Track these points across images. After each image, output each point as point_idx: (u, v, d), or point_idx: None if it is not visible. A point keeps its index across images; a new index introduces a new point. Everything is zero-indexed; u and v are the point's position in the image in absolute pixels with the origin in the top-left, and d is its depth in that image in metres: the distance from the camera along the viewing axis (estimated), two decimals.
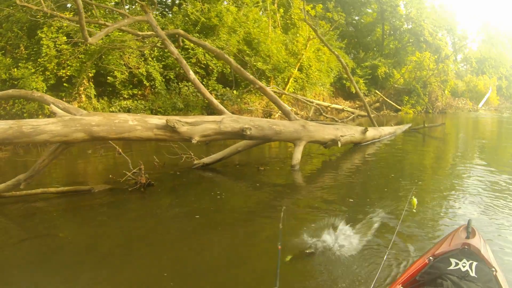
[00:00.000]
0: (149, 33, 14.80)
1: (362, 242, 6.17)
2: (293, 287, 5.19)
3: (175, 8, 26.97)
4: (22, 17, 21.01)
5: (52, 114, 8.60)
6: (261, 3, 29.20)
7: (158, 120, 9.21)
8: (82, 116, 8.54)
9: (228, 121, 10.30)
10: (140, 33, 15.40)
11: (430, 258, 4.18)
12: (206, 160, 11.97)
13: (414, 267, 4.30)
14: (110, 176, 10.30)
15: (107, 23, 13.86)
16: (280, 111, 21.66)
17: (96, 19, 16.07)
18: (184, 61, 12.24)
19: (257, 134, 10.80)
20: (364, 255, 5.83)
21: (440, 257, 4.13)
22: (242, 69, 13.50)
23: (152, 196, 9.38)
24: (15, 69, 19.28)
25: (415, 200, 5.05)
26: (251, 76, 13.40)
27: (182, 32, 15.15)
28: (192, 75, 12.05)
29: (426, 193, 9.34)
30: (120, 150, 10.88)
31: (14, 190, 9.18)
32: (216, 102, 11.57)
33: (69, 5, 21.40)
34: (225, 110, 11.22)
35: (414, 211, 4.66)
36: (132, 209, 8.74)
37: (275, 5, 29.97)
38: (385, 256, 4.62)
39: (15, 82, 19.01)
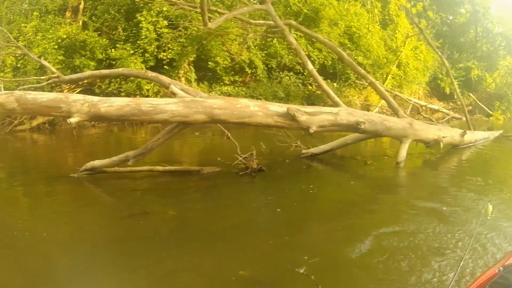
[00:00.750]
0: (268, 22, 14.67)
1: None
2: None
3: None
4: (119, 1, 21.63)
5: (171, 95, 9.04)
6: None
7: (278, 107, 9.26)
8: (204, 98, 8.78)
9: (344, 113, 10.21)
10: (260, 22, 15.54)
11: (500, 268, 3.92)
12: (314, 150, 11.95)
13: (484, 276, 4.04)
14: (218, 159, 10.39)
15: (218, 10, 14.03)
16: (379, 107, 21.55)
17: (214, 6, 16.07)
18: (303, 52, 12.30)
19: (370, 128, 10.70)
20: (439, 259, 5.66)
21: (510, 268, 3.90)
22: (354, 63, 13.42)
23: (262, 181, 9.56)
24: (113, 50, 19.86)
25: (490, 207, 4.87)
26: (363, 71, 13.36)
27: (294, 23, 15.12)
28: (310, 65, 11.97)
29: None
30: (229, 134, 11.05)
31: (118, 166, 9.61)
32: (333, 94, 11.43)
33: None
34: (341, 102, 11.07)
35: (489, 218, 4.46)
36: (243, 191, 8.93)
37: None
38: (461, 262, 4.39)
39: (113, 62, 19.54)
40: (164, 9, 20.29)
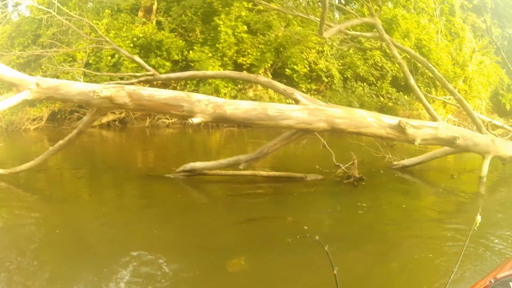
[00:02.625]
0: (369, 34, 15.31)
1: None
2: None
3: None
4: (196, 2, 22.51)
5: (293, 101, 9.46)
6: (426, 8, 29.32)
7: (391, 119, 9.65)
8: (324, 106, 9.21)
9: (443, 128, 10.53)
10: (367, 34, 15.88)
11: (492, 280, 4.03)
12: (405, 162, 12.44)
13: None
14: (317, 166, 10.72)
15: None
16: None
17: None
18: (406, 67, 12.64)
19: (462, 143, 11.12)
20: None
21: (501, 280, 4.01)
22: (443, 78, 13.84)
23: (364, 190, 9.84)
24: (191, 52, 20.65)
25: (478, 219, 5.11)
26: (451, 86, 13.86)
27: (386, 36, 15.67)
28: (412, 81, 12.36)
29: None
30: (325, 143, 11.18)
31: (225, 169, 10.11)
32: (431, 108, 11.73)
33: None
34: (438, 117, 11.47)
35: (475, 228, 4.90)
36: (351, 199, 9.17)
37: (439, 13, 29.97)
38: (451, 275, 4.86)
39: (191, 64, 20.27)
40: (243, 14, 21.17)
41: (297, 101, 9.31)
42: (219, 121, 9.24)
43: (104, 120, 22.05)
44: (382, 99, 24.44)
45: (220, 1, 21.57)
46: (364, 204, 8.72)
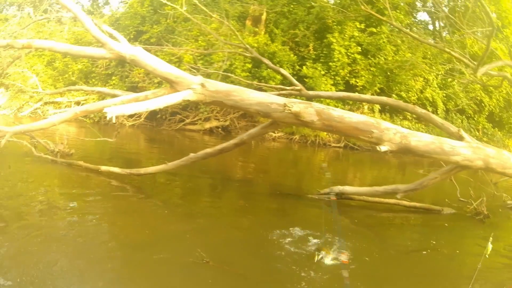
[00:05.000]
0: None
1: None
2: None
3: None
4: (308, 18, 23.32)
5: (460, 138, 9.65)
6: None
7: None
8: (482, 145, 9.60)
9: None
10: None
11: None
12: None
13: None
14: (446, 200, 11.14)
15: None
16: None
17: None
18: None
19: None
20: None
21: None
22: None
23: (497, 227, 10.14)
24: (304, 67, 21.40)
25: (489, 247, 5.27)
26: None
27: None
28: None
29: None
30: (452, 177, 11.29)
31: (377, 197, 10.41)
32: None
33: None
34: None
35: (487, 256, 5.12)
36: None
37: None
38: None
39: (305, 80, 20.84)
40: (355, 34, 21.89)
41: (461, 138, 9.57)
42: (403, 151, 9.03)
43: (207, 126, 23.02)
44: (477, 133, 24.57)
45: (334, 18, 22.21)
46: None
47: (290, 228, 8.10)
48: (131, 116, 22.23)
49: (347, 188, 10.45)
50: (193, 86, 9.24)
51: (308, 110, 8.74)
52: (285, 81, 20.13)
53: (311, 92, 14.17)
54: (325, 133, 20.61)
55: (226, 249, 7.09)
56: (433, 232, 9.38)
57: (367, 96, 16.16)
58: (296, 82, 13.47)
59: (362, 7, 15.93)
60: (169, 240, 7.29)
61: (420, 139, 8.84)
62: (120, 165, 11.44)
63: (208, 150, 11.05)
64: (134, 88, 20.38)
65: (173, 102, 9.37)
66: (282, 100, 9.11)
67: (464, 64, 14.80)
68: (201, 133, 22.88)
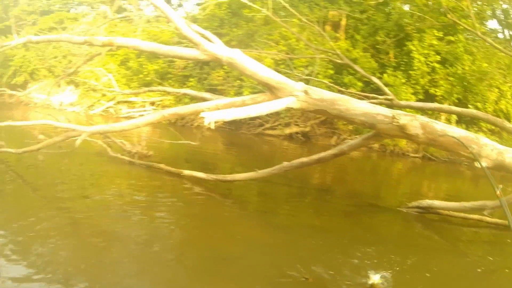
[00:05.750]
0: None
1: None
2: None
3: None
4: (387, 25, 23.74)
5: None
6: None
7: None
8: None
9: None
10: None
11: None
12: None
13: None
14: None
15: None
16: None
17: None
18: None
19: None
20: None
21: None
22: None
23: None
24: (384, 75, 21.64)
25: None
26: None
27: None
28: None
29: None
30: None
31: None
32: None
33: None
34: None
35: None
36: None
37: None
38: None
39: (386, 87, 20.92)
40: (434, 42, 22.02)
41: None
42: (497, 168, 8.67)
43: (287, 131, 23.35)
44: None
45: (413, 26, 22.37)
46: None
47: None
48: None
49: (436, 203, 10.33)
50: (296, 93, 9.24)
51: (414, 123, 8.71)
52: (365, 88, 20.58)
53: (402, 102, 14.39)
54: (404, 142, 20.92)
55: (320, 264, 6.72)
56: None
57: (457, 109, 15.87)
58: (388, 91, 13.67)
59: (449, 16, 16.01)
60: (261, 252, 7.09)
61: None
62: (197, 169, 11.50)
63: (304, 159, 10.96)
64: (213, 91, 20.47)
65: (276, 109, 9.40)
66: (388, 111, 9.13)
67: None
68: (281, 138, 23.10)
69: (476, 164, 7.96)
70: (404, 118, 8.67)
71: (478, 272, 7.31)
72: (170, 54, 11.08)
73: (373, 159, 20.79)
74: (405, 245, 8.34)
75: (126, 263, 6.18)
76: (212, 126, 8.06)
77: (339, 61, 17.04)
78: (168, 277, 5.85)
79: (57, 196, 9.05)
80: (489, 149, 8.58)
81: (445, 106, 16.03)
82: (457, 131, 8.92)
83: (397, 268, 6.75)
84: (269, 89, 9.60)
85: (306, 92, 9.22)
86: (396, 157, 21.25)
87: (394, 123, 8.73)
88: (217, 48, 9.86)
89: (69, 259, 6.04)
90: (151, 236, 7.29)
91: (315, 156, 10.86)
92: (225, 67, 23.50)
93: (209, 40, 10.24)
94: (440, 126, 8.91)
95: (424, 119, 9.07)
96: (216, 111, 8.78)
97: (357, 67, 16.23)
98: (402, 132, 8.83)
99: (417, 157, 21.49)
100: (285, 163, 10.69)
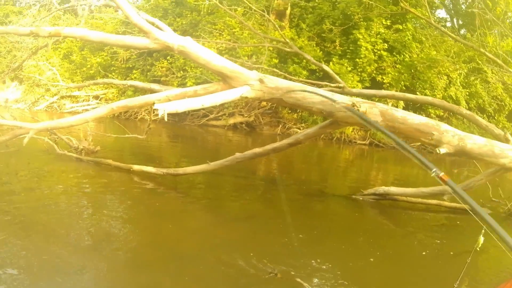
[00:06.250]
0: None
1: None
2: None
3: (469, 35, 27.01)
4: (333, 13, 23.66)
5: (506, 140, 9.44)
6: None
7: None
8: None
9: None
10: None
11: None
12: None
13: None
14: (481, 200, 10.76)
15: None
16: None
17: None
18: None
19: None
20: None
21: None
22: None
23: None
24: (330, 63, 21.35)
25: (481, 240, 5.20)
26: None
27: None
28: None
29: None
30: None
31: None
32: None
33: None
34: None
35: (478, 249, 5.03)
36: None
37: None
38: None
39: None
40: (381, 30, 22.11)
41: (507, 141, 9.41)
42: (459, 154, 8.66)
43: (232, 121, 23.27)
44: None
45: (361, 14, 22.24)
46: None
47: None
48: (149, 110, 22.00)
49: (392, 189, 10.34)
50: (250, 82, 8.92)
51: (373, 111, 8.54)
52: (311, 76, 20.48)
53: (354, 90, 14.09)
54: (351, 130, 20.96)
55: (287, 257, 6.38)
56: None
57: (412, 96, 15.56)
58: (339, 79, 13.35)
59: (402, 4, 15.79)
60: (218, 248, 6.62)
61: (475, 142, 8.55)
62: (144, 162, 11.25)
63: (257, 149, 10.62)
64: (157, 82, 20.35)
65: (230, 98, 9.06)
66: (347, 99, 8.85)
67: (497, 64, 14.80)
68: (225, 128, 23.03)
69: (437, 151, 8.11)
70: (364, 106, 8.50)
71: (422, 256, 7.30)
72: (119, 43, 10.17)
73: (320, 147, 20.59)
74: (354, 232, 8.20)
75: (72, 263, 5.66)
76: (165, 118, 7.61)
77: (288, 49, 16.35)
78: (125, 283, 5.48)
79: (3, 199, 8.27)
80: (450, 135, 8.39)
81: (399, 93, 15.54)
82: (417, 118, 8.73)
83: (341, 254, 6.79)
84: (222, 78, 9.15)
85: (261, 81, 8.93)
86: (343, 145, 21.30)
87: (355, 111, 8.23)
88: (168, 36, 9.17)
89: (11, 257, 5.64)
90: (100, 235, 6.78)
91: (269, 146, 10.58)
92: (169, 57, 23.15)
93: (160, 29, 9.65)
94: (400, 113, 8.73)
95: (383, 106, 8.89)
96: (169, 102, 8.28)
97: (307, 55, 15.85)
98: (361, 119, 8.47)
99: (364, 144, 21.61)
100: (238, 154, 10.50)
